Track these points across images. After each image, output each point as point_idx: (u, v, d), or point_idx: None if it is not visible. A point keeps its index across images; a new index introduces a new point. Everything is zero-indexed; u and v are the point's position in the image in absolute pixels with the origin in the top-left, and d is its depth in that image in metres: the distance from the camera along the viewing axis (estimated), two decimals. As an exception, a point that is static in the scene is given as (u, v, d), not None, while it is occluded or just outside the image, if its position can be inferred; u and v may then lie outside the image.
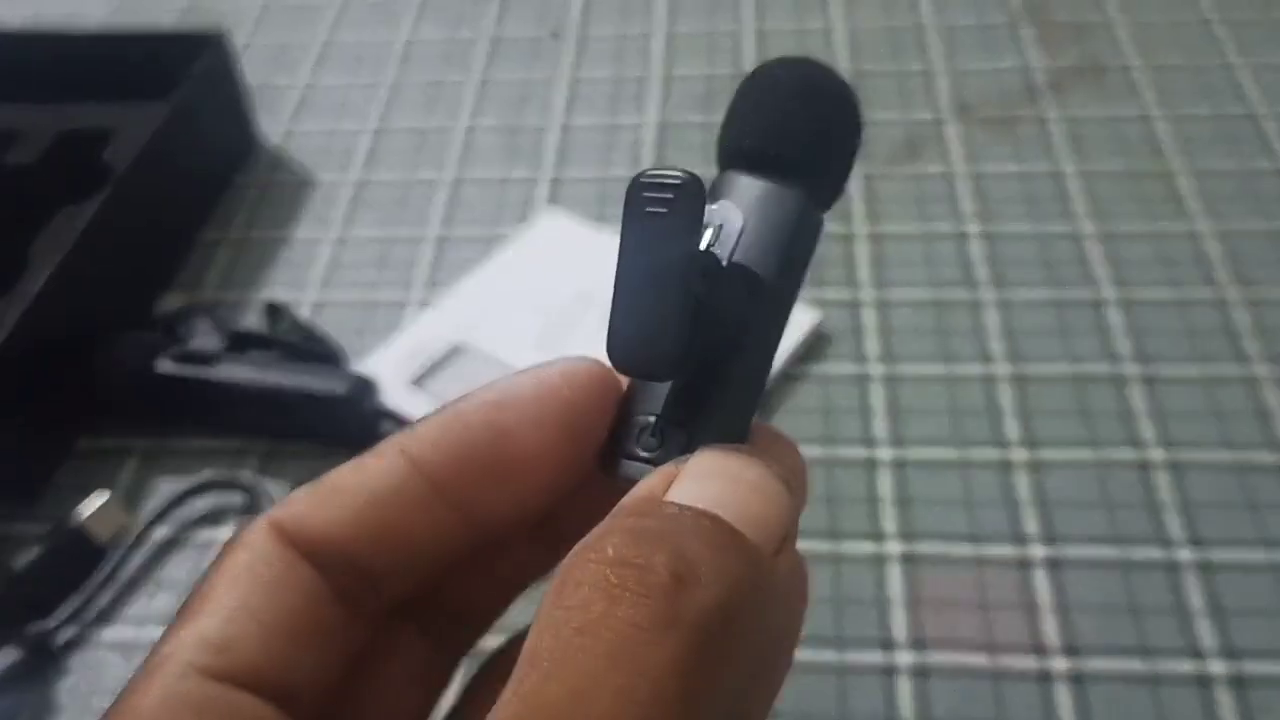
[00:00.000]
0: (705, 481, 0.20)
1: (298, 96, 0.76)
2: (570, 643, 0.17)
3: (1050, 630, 0.46)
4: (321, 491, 0.22)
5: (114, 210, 0.57)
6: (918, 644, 0.46)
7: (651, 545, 0.17)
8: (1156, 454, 0.51)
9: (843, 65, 0.73)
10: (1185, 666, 0.44)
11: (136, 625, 0.49)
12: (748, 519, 0.19)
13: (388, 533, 0.22)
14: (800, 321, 0.57)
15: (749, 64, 0.75)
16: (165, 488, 0.54)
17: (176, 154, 0.63)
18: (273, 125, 0.73)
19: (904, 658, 0.45)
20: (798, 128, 0.23)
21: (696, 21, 0.78)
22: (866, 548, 0.49)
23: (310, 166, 0.70)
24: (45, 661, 0.48)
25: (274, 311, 0.59)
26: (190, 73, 0.64)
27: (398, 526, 0.22)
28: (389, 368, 0.57)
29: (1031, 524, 0.49)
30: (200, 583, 0.21)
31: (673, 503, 0.19)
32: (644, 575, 0.17)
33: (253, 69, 0.77)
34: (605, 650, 0.16)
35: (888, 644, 0.46)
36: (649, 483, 0.20)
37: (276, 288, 0.63)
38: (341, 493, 0.22)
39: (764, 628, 0.19)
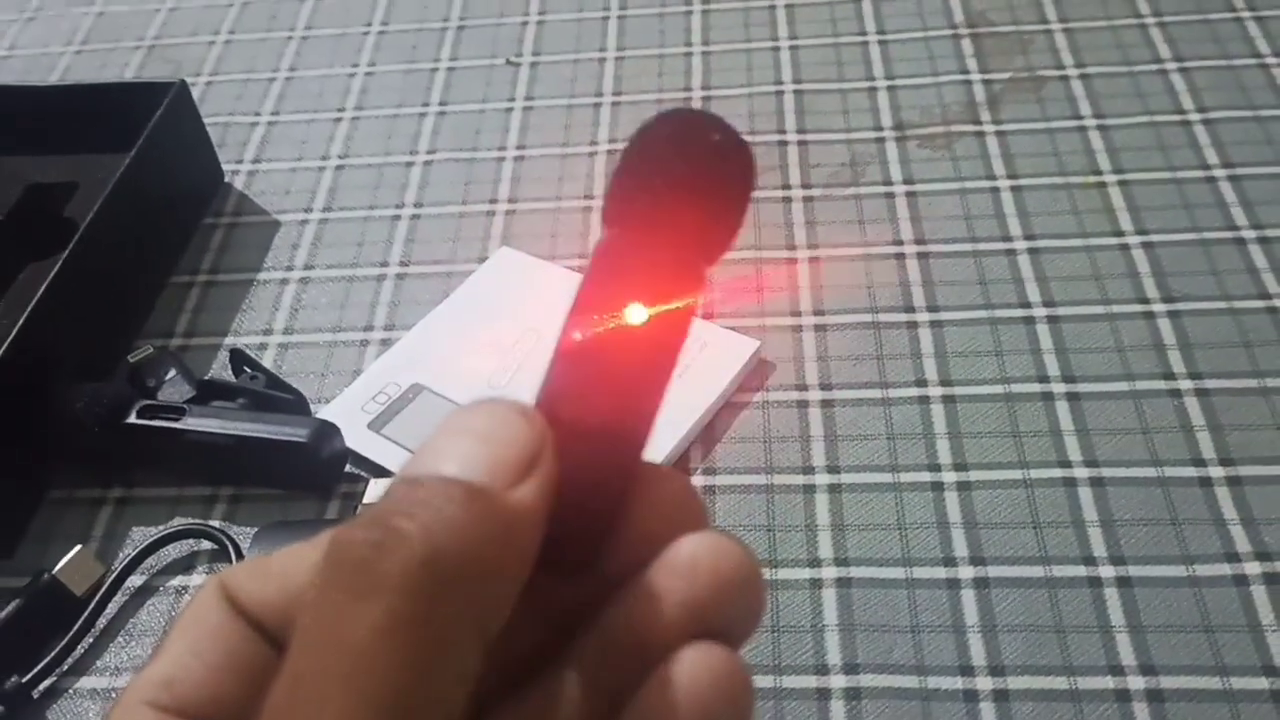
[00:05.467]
0: (434, 443, 0.21)
1: (261, 133, 0.78)
2: (296, 635, 0.19)
3: (977, 651, 0.48)
4: (259, 567, 0.24)
5: (79, 263, 0.59)
6: (850, 668, 0.48)
7: (357, 523, 0.19)
8: (1082, 471, 0.53)
9: (787, 84, 0.75)
10: (1107, 682, 0.47)
11: (112, 674, 0.52)
12: (470, 464, 0.20)
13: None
14: (741, 349, 0.59)
15: (698, 85, 0.76)
16: (137, 535, 0.56)
17: (140, 203, 0.65)
18: (237, 164, 0.75)
19: (838, 681, 0.48)
20: (669, 188, 0.24)
21: (647, 45, 0.80)
22: (803, 574, 0.51)
23: (274, 205, 0.72)
24: (25, 712, 0.50)
25: (238, 358, 0.61)
26: (150, 123, 0.66)
27: None
28: (350, 411, 0.59)
29: (961, 546, 0.51)
30: (167, 629, 0.23)
31: (402, 475, 0.20)
32: (345, 551, 0.18)
33: (216, 107, 0.79)
34: (315, 632, 0.18)
35: (822, 669, 0.48)
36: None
37: (243, 331, 0.65)
38: (271, 575, 0.24)
39: (502, 556, 0.20)
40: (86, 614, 0.53)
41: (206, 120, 0.73)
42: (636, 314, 0.23)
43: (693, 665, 0.21)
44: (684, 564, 0.22)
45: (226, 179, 0.74)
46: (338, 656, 0.18)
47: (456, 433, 0.21)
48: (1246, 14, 0.76)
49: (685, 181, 0.24)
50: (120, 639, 0.53)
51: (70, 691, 0.51)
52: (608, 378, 0.23)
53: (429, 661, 0.18)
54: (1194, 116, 0.69)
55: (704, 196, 0.24)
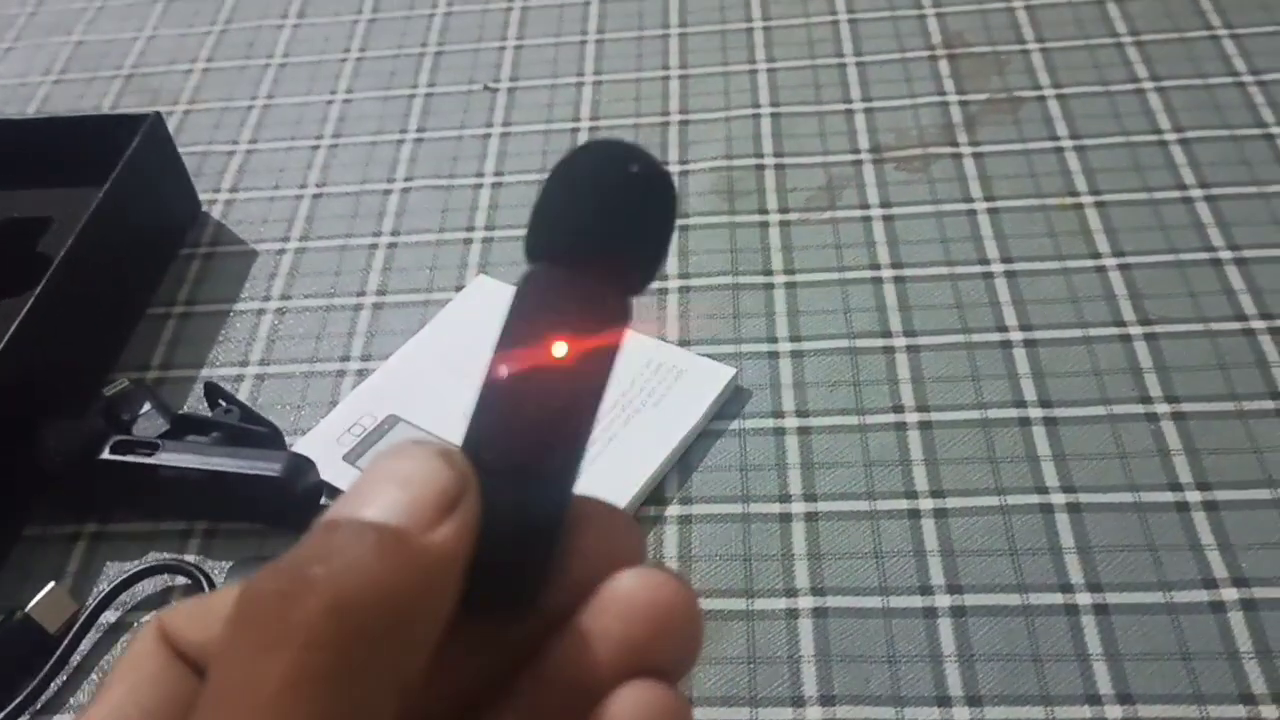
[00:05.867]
0: (355, 488, 0.21)
1: (238, 162, 0.78)
2: (204, 689, 0.18)
3: (954, 681, 0.48)
4: (197, 608, 0.24)
5: (53, 298, 0.59)
6: (826, 700, 0.48)
7: (267, 571, 0.19)
8: (1059, 498, 0.53)
9: (765, 108, 0.75)
10: (1084, 712, 0.46)
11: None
12: (388, 508, 0.20)
13: None
14: (717, 377, 0.59)
15: (675, 109, 0.76)
16: (111, 570, 0.56)
17: (115, 236, 0.65)
18: (214, 192, 0.75)
19: (814, 713, 0.48)
20: (588, 220, 0.24)
21: (624, 70, 0.80)
22: (780, 604, 0.51)
23: (251, 235, 0.72)
24: (-3, 754, 0.50)
25: (213, 392, 0.61)
26: (125, 155, 0.66)
27: None
28: (325, 443, 0.59)
29: (938, 574, 0.51)
30: (108, 672, 0.23)
31: (322, 520, 0.20)
32: (253, 602, 0.18)
33: (194, 136, 0.79)
34: (222, 686, 0.18)
35: (798, 700, 0.48)
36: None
37: (219, 363, 0.65)
38: (210, 616, 0.23)
39: (416, 601, 0.19)
40: (60, 651, 0.52)
41: (184, 149, 0.73)
42: (559, 349, 0.23)
43: (631, 704, 0.21)
44: (620, 602, 0.22)
45: (204, 208, 0.74)
46: (244, 712, 0.17)
47: (377, 478, 0.20)
48: (1223, 32, 0.76)
49: (604, 213, 0.24)
50: (94, 676, 0.53)
51: (42, 732, 0.51)
52: (531, 414, 0.23)
53: (339, 714, 0.18)
54: (1170, 136, 0.69)
55: (624, 228, 0.24)
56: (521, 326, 0.23)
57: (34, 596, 0.53)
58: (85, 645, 0.54)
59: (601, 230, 0.24)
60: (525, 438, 0.23)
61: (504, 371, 0.23)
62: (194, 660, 0.23)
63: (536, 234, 0.24)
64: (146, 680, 0.22)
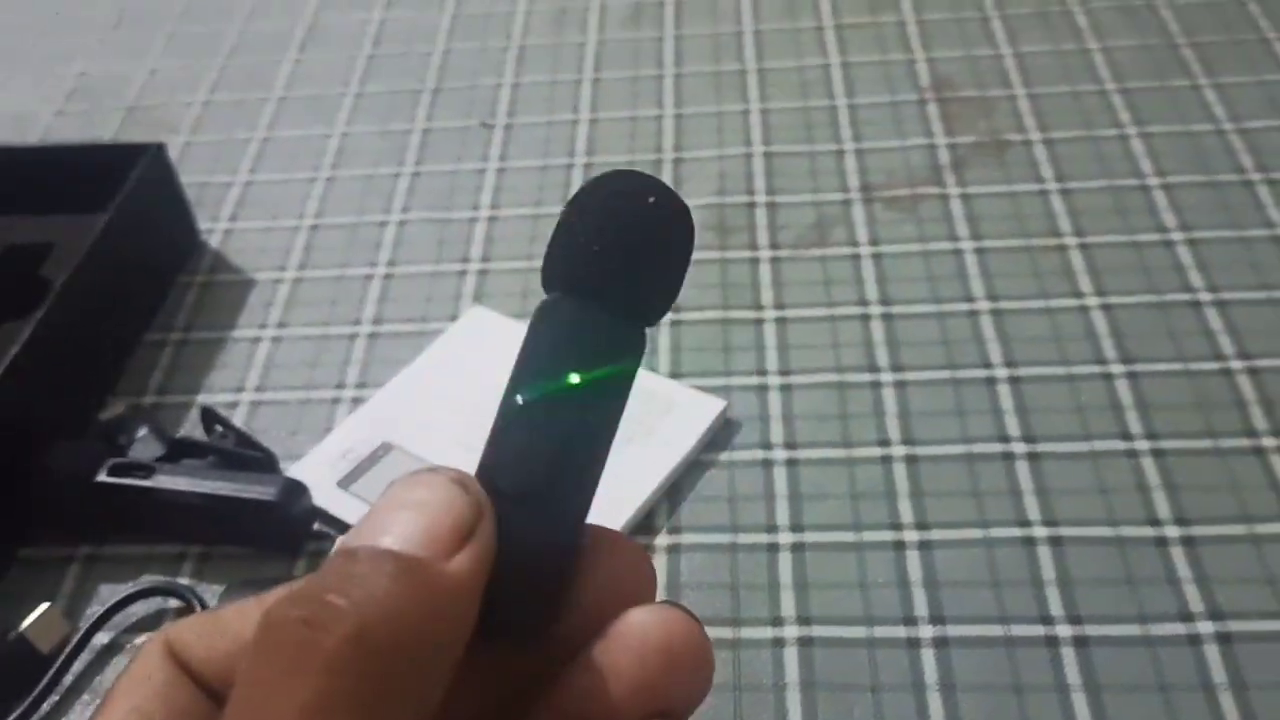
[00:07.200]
0: (371, 515, 0.21)
1: (237, 194, 0.79)
2: (226, 712, 0.18)
3: (936, 712, 0.49)
4: (206, 624, 0.24)
5: (53, 323, 0.60)
6: (810, 728, 0.49)
7: (289, 597, 0.19)
8: (1040, 531, 0.54)
9: (757, 147, 0.77)
10: (1062, 740, 0.47)
11: (77, 733, 0.52)
12: (406, 536, 0.20)
13: None
14: (707, 409, 0.60)
15: (670, 147, 0.78)
16: (105, 592, 0.57)
17: (116, 263, 0.66)
18: (213, 222, 0.76)
19: (799, 741, 0.48)
20: (606, 250, 0.24)
21: (619, 108, 0.82)
22: (766, 633, 0.52)
23: (249, 264, 0.73)
24: (-11, 772, 0.50)
25: (209, 417, 0.62)
26: (126, 184, 0.67)
27: None
28: (319, 469, 0.59)
29: (921, 605, 0.52)
30: (111, 687, 0.23)
31: (340, 548, 0.20)
32: (276, 628, 0.18)
33: (194, 167, 0.80)
34: (243, 711, 0.18)
35: (783, 728, 0.49)
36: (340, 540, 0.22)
37: (216, 388, 0.66)
38: (220, 634, 0.23)
39: (435, 629, 0.19)
40: (52, 672, 0.53)
41: (185, 180, 0.74)
42: (575, 378, 0.23)
43: None
44: (635, 641, 0.22)
45: (202, 237, 0.75)
46: None
47: (394, 505, 0.21)
48: (1204, 81, 0.77)
49: (621, 244, 0.24)
50: (86, 697, 0.53)
51: (34, 751, 0.51)
52: (546, 443, 0.23)
53: None
54: (1153, 181, 0.71)
55: (641, 259, 0.24)
56: (537, 355, 0.23)
57: (27, 618, 0.53)
58: (78, 666, 0.54)
59: (618, 262, 0.24)
60: (540, 465, 0.23)
61: (520, 400, 0.23)
62: (201, 676, 0.23)
63: (553, 263, 0.24)
64: (153, 695, 0.22)
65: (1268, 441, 0.57)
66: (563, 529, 0.23)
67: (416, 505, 0.21)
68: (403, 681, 0.18)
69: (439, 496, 0.21)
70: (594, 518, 0.23)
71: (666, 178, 0.75)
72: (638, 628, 0.22)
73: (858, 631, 0.52)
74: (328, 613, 0.18)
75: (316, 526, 0.58)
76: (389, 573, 0.19)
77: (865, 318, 0.65)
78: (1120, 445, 0.57)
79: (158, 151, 0.70)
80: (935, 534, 0.55)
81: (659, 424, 0.59)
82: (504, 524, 0.22)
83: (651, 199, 0.24)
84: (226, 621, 0.24)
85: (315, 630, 0.18)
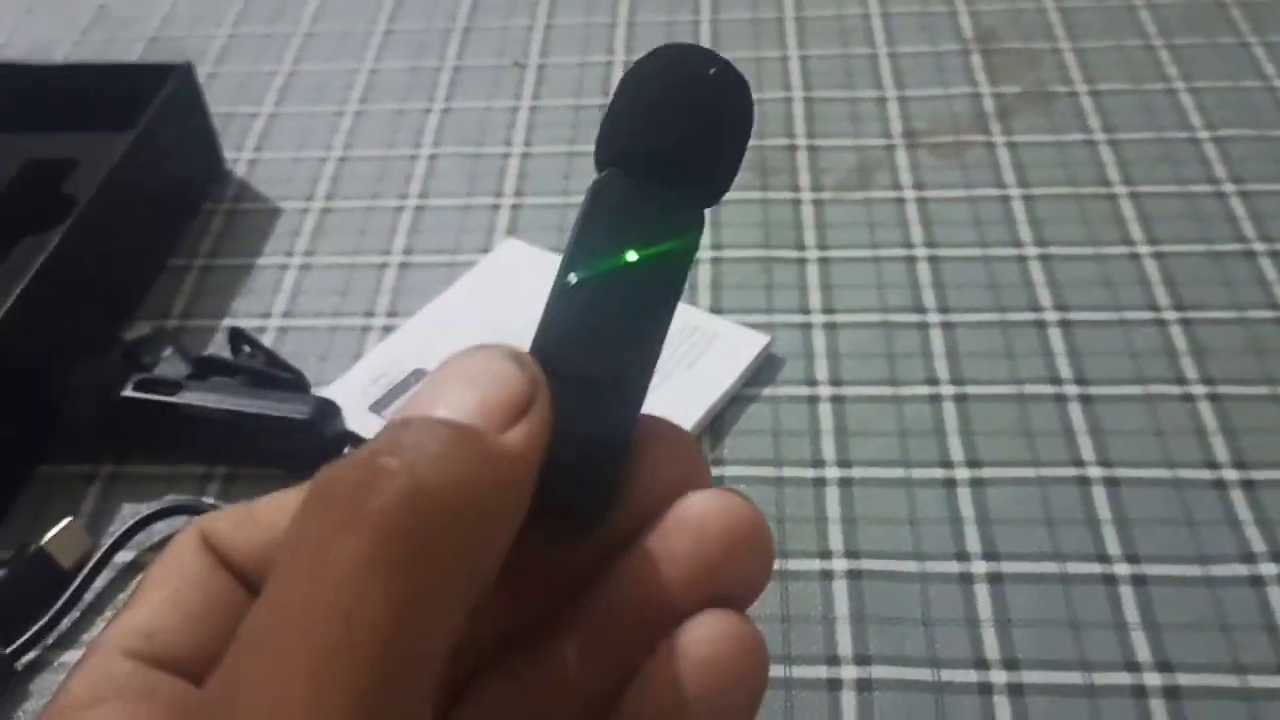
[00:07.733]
0: (425, 388, 0.20)
1: (262, 125, 0.77)
2: (277, 566, 0.18)
3: (991, 645, 0.47)
4: (242, 516, 0.23)
5: (77, 239, 0.58)
6: (861, 659, 0.47)
7: (343, 461, 0.18)
8: (1095, 471, 0.53)
9: (797, 92, 0.75)
10: (1123, 678, 0.46)
11: (99, 648, 0.50)
12: (460, 407, 0.19)
13: None
14: (751, 344, 0.58)
15: (706, 91, 0.76)
16: (128, 511, 0.55)
17: (141, 183, 0.64)
18: (238, 153, 0.74)
19: (849, 672, 0.47)
20: (664, 124, 0.23)
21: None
22: (814, 565, 0.50)
23: (275, 193, 0.71)
24: (7, 684, 0.49)
25: (238, 337, 0.60)
26: (154, 103, 0.65)
27: None
28: (351, 392, 0.58)
29: (974, 541, 0.50)
30: (143, 577, 0.22)
31: (393, 418, 0.20)
32: (329, 487, 0.18)
33: (218, 98, 0.78)
34: (298, 562, 0.17)
35: (833, 659, 0.47)
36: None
37: (241, 314, 0.64)
38: (256, 525, 0.23)
39: (489, 498, 0.19)
40: (74, 587, 0.51)
41: (209, 111, 0.72)
42: (632, 255, 0.22)
43: (708, 634, 0.20)
44: (692, 522, 0.21)
45: (227, 166, 0.73)
46: (323, 585, 0.17)
47: (448, 377, 0.20)
48: (1252, 39, 0.76)
49: (680, 117, 0.23)
50: (107, 613, 0.51)
51: (55, 664, 0.50)
52: (603, 322, 0.22)
53: (414, 598, 0.17)
54: (1203, 134, 0.69)
55: (700, 132, 0.23)
56: (593, 233, 0.22)
57: (48, 532, 0.52)
58: (99, 583, 0.52)
59: (677, 135, 0.23)
60: (596, 345, 0.22)
61: (574, 277, 0.22)
62: (238, 567, 0.22)
63: (609, 139, 0.23)
64: (188, 584, 0.22)
65: (1326, 390, 0.56)
66: (618, 413, 0.22)
67: (471, 378, 0.20)
68: (455, 547, 0.18)
69: (494, 370, 0.20)
70: None
71: (704, 119, 0.74)
72: (696, 511, 0.21)
73: (909, 565, 0.50)
74: (380, 473, 0.18)
75: (347, 450, 0.56)
76: (444, 439, 0.18)
77: (911, 259, 0.63)
78: (1175, 390, 0.56)
79: (186, 72, 0.68)
80: (987, 472, 0.53)
81: (702, 357, 0.57)
82: (559, 405, 0.21)
83: (712, 70, 0.23)
84: (262, 513, 0.23)
85: (367, 490, 0.17)
